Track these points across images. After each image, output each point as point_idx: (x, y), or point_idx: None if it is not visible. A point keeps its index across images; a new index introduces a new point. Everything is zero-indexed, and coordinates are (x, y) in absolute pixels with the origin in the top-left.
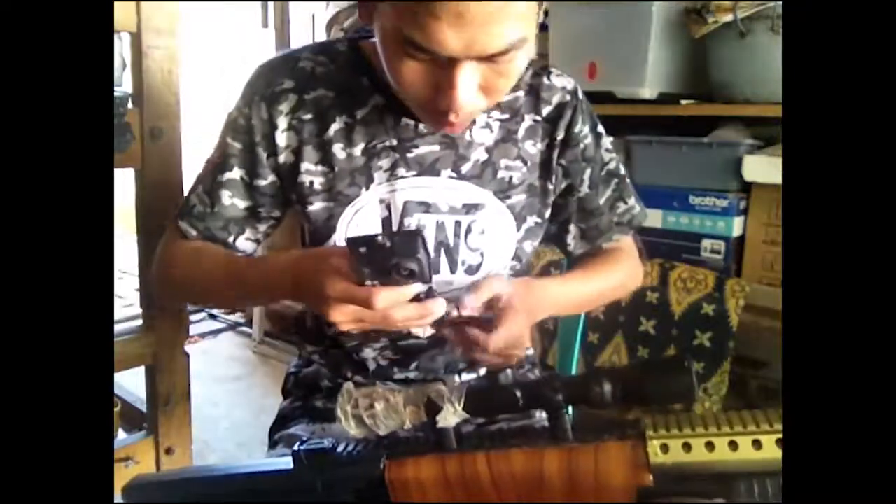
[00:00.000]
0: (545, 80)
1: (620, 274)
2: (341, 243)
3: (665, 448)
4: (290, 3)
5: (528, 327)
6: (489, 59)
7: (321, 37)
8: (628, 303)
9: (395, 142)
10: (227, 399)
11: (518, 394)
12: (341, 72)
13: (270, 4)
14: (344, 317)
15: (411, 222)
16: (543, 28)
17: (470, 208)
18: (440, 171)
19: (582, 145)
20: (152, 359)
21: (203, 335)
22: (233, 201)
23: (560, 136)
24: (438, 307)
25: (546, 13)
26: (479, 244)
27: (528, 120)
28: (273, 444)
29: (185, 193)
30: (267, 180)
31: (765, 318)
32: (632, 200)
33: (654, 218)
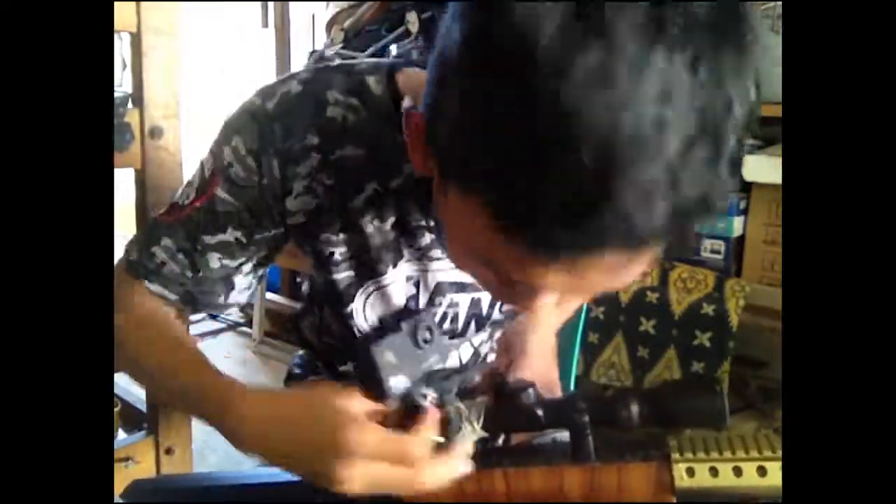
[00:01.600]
0: None
1: None
2: (359, 312)
3: (691, 472)
4: (290, 3)
5: (548, 360)
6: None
7: (321, 37)
8: (628, 303)
9: (431, 221)
10: None
11: (540, 413)
12: (374, 123)
13: (270, 4)
14: (361, 479)
15: (443, 301)
16: None
17: None
18: None
19: None
20: None
21: (203, 335)
22: (223, 263)
23: None
24: (464, 464)
25: None
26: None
27: None
28: None
29: (142, 243)
30: (270, 233)
31: (765, 318)
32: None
33: None
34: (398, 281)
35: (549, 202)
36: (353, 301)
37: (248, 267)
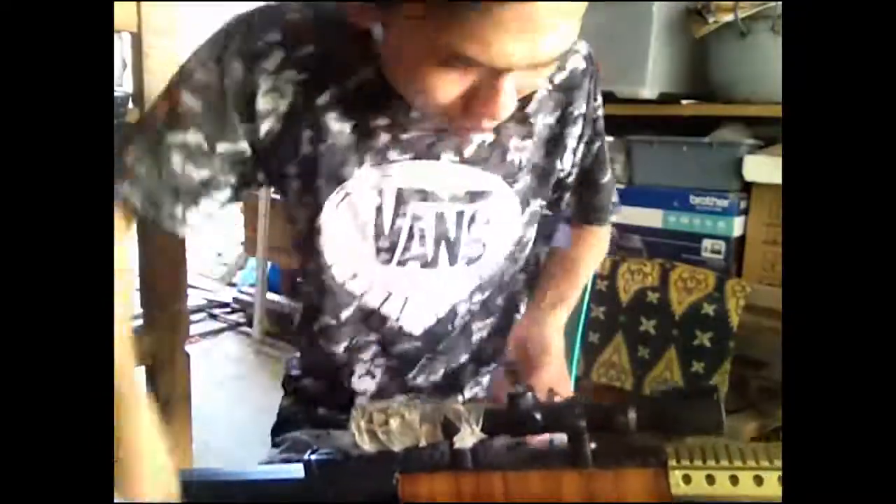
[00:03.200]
0: None
1: (598, 256)
2: (327, 224)
3: (687, 479)
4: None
5: (562, 362)
6: (537, 66)
7: None
8: (628, 303)
9: (387, 121)
10: (228, 399)
11: (538, 417)
12: (332, 30)
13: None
14: None
15: (407, 211)
16: None
17: (475, 196)
18: (440, 155)
19: (596, 117)
20: (152, 359)
21: (203, 335)
22: (185, 168)
23: (580, 109)
24: None
25: None
26: (481, 234)
27: (541, 90)
28: (275, 445)
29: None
30: (234, 147)
31: (765, 318)
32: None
33: (655, 218)
34: (362, 189)
35: None
36: (320, 212)
37: (217, 192)
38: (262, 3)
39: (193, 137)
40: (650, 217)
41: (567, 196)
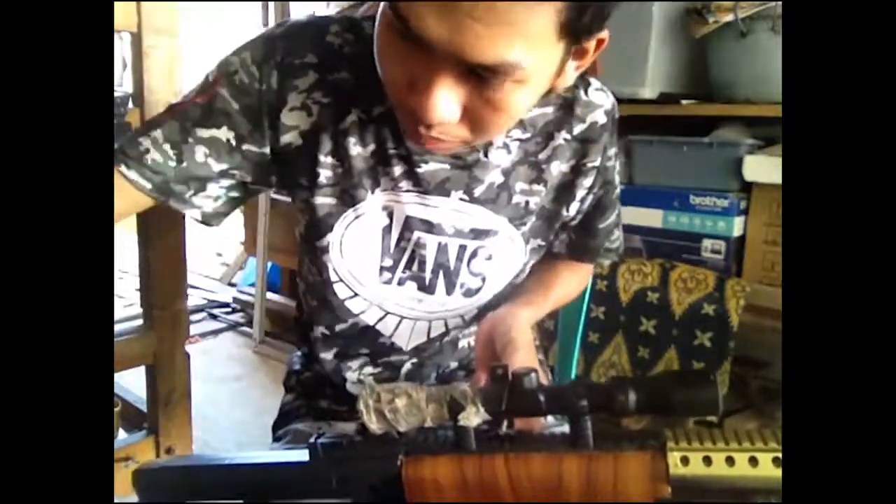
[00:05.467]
0: (583, 94)
1: (575, 284)
2: (335, 244)
3: (685, 460)
4: (291, 3)
5: (532, 353)
6: (476, 73)
7: None
8: (629, 303)
9: (405, 151)
10: (228, 399)
11: (541, 398)
12: (365, 56)
13: (270, 4)
14: None
15: (411, 238)
16: None
17: (479, 234)
18: (450, 192)
19: (606, 171)
20: (152, 359)
21: (203, 335)
22: (207, 160)
23: (594, 161)
24: None
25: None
26: (482, 269)
27: (558, 139)
28: (276, 439)
29: (131, 135)
30: (258, 149)
31: (765, 318)
32: (620, 230)
33: (655, 218)
34: (374, 209)
35: None
36: (330, 231)
37: (226, 179)
38: (307, 18)
39: (223, 134)
40: (650, 217)
41: (564, 235)
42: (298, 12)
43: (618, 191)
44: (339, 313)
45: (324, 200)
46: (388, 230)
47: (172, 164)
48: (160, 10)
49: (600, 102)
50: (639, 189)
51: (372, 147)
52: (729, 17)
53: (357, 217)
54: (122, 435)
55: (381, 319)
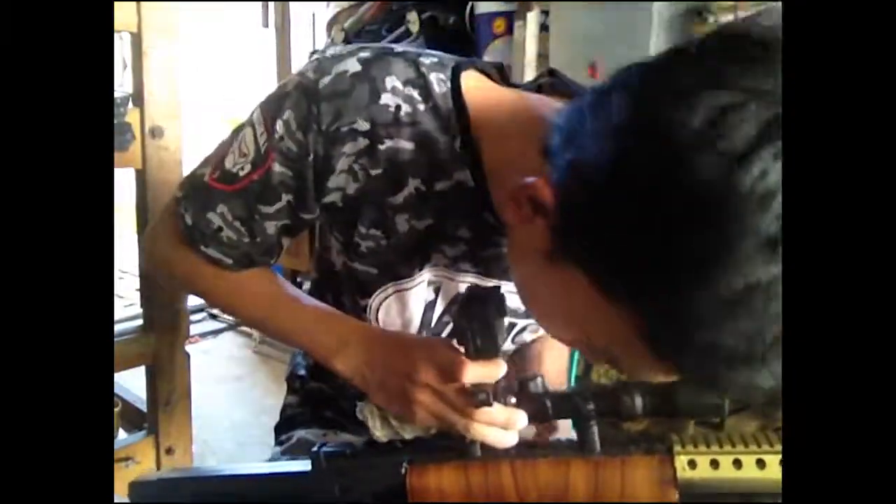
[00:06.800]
0: None
1: None
2: (373, 309)
3: (692, 464)
4: (291, 3)
5: (563, 378)
6: None
7: (321, 37)
8: None
9: (467, 233)
10: (228, 399)
11: (548, 403)
12: (429, 121)
13: (271, 4)
14: (427, 407)
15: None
16: (544, 28)
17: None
18: (511, 278)
19: None
20: (152, 359)
21: (203, 335)
22: (276, 230)
23: None
24: (522, 418)
25: (546, 13)
26: (524, 340)
27: None
28: (280, 443)
29: (198, 206)
30: (313, 214)
31: None
32: None
33: None
34: (419, 285)
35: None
36: (369, 297)
37: (287, 236)
38: (363, 60)
39: (286, 199)
40: None
41: None
42: (298, 12)
43: None
44: None
45: (363, 268)
46: (431, 306)
47: (246, 239)
48: (160, 10)
49: None
50: None
51: (429, 222)
52: (729, 17)
53: (398, 291)
54: (122, 435)
55: None
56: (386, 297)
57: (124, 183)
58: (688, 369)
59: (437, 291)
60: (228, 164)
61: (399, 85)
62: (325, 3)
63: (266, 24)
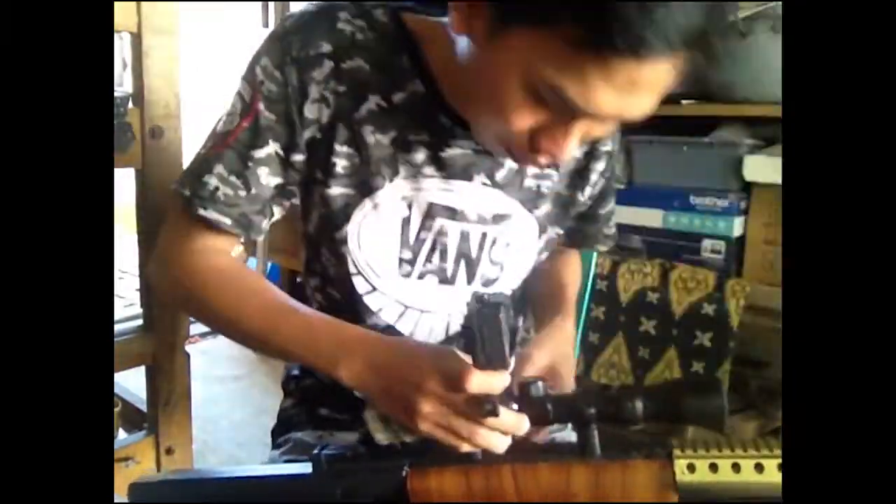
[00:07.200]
0: None
1: (578, 276)
2: (353, 235)
3: (692, 468)
4: (290, 3)
5: (571, 377)
6: (617, 120)
7: None
8: (629, 303)
9: (427, 137)
10: (228, 399)
11: (549, 407)
12: (381, 44)
13: (271, 4)
14: (430, 417)
15: (433, 226)
16: None
17: (498, 218)
18: (473, 176)
19: (612, 157)
20: (152, 359)
21: (203, 335)
22: (269, 180)
23: (606, 146)
24: (526, 424)
25: None
26: (501, 257)
27: None
28: (277, 446)
29: (194, 176)
30: (302, 156)
31: (765, 318)
32: (614, 219)
33: (655, 218)
34: (393, 199)
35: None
36: (348, 223)
37: (281, 197)
38: (315, 7)
39: (273, 148)
40: (650, 217)
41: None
42: None
43: (614, 182)
44: (357, 308)
45: (340, 190)
46: (407, 221)
47: (243, 192)
48: (160, 10)
49: None
50: (639, 189)
51: (393, 134)
52: (729, 17)
53: (375, 206)
54: (122, 435)
55: (400, 316)
56: (364, 217)
57: (124, 183)
58: (621, 44)
59: (409, 207)
60: (220, 128)
61: (350, 16)
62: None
63: (266, 24)
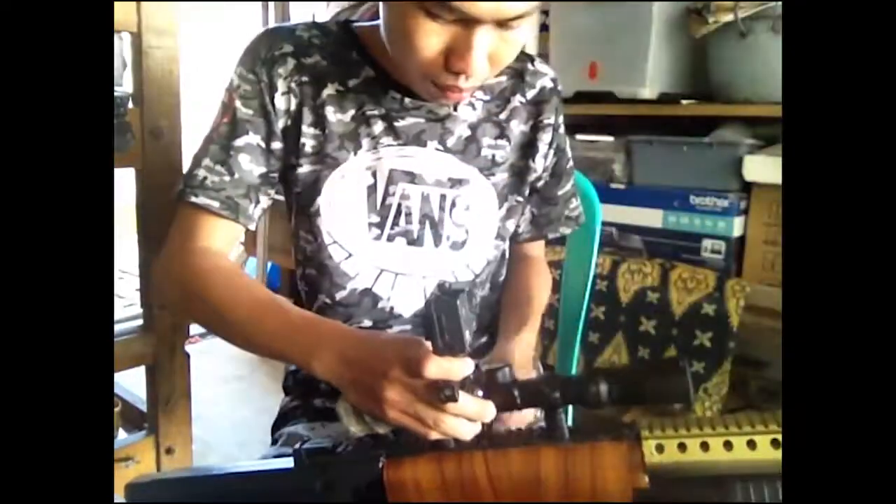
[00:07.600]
0: (529, 65)
1: (547, 288)
2: (325, 207)
3: (660, 448)
4: (290, 3)
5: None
6: (504, 24)
7: None
8: (629, 303)
9: (383, 111)
10: (228, 399)
11: (516, 392)
12: (334, 45)
13: (271, 4)
14: (396, 405)
15: (396, 191)
16: (543, 28)
17: (455, 183)
18: (426, 143)
19: (558, 134)
20: (152, 359)
21: (203, 335)
22: (251, 167)
23: (549, 119)
24: (491, 410)
25: (546, 13)
26: (463, 220)
27: (514, 102)
28: (274, 441)
29: (187, 173)
30: (279, 145)
31: (765, 318)
32: (578, 201)
33: (655, 218)
34: (358, 170)
35: None
36: (319, 195)
37: (267, 186)
38: (278, 25)
39: (252, 139)
40: (650, 217)
41: (527, 210)
42: (298, 13)
43: (571, 162)
44: (336, 278)
45: (310, 168)
46: (372, 189)
47: (227, 178)
48: (160, 10)
49: (545, 72)
50: (639, 189)
51: (352, 112)
52: (729, 17)
53: (342, 177)
54: (122, 435)
55: (377, 279)
56: (333, 188)
57: (124, 183)
58: None
59: (374, 175)
60: (207, 132)
61: (305, 27)
62: (324, 3)
63: (266, 25)
